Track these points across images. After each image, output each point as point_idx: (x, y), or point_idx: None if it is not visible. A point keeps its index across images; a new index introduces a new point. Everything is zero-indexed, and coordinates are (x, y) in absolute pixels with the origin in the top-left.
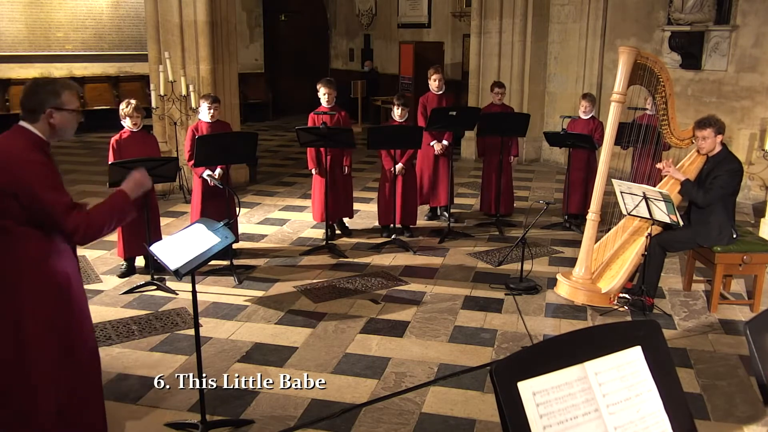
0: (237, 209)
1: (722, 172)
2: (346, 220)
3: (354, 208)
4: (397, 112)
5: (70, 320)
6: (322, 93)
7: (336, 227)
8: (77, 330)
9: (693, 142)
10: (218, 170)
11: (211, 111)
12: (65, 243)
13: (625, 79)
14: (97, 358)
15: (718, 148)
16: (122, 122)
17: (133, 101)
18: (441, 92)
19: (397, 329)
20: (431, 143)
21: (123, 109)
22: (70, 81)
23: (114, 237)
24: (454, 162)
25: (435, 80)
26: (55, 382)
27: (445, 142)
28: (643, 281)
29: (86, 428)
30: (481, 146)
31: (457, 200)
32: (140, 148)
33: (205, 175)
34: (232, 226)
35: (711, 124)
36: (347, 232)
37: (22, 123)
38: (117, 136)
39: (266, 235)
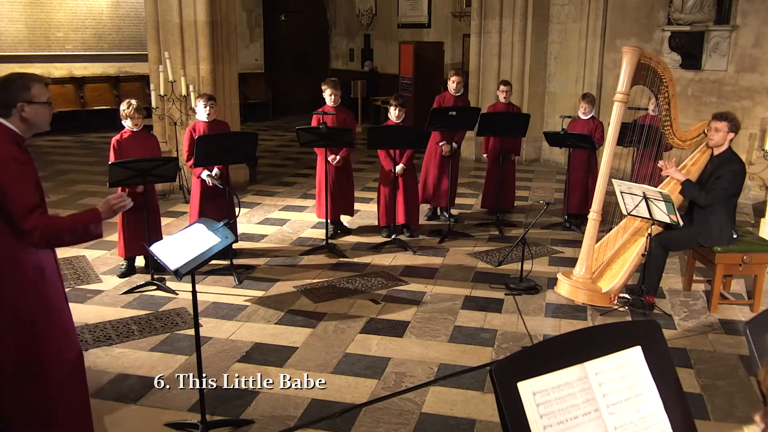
0: (237, 209)
1: (725, 173)
2: (346, 219)
3: (354, 207)
4: (394, 113)
5: (45, 320)
6: (328, 94)
7: (336, 227)
8: (50, 331)
9: (698, 142)
10: (215, 170)
11: (207, 109)
12: None
13: (629, 79)
14: (79, 363)
15: (725, 147)
16: (123, 123)
17: (134, 102)
18: (458, 94)
19: (397, 329)
20: (440, 143)
21: (124, 110)
22: (38, 75)
23: (114, 237)
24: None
25: (454, 82)
26: (14, 386)
27: (454, 145)
28: (644, 281)
29: None
30: (489, 146)
31: (457, 200)
32: (141, 148)
33: (203, 176)
34: (232, 226)
35: (727, 119)
36: (345, 231)
37: None
38: (118, 136)
39: (266, 235)
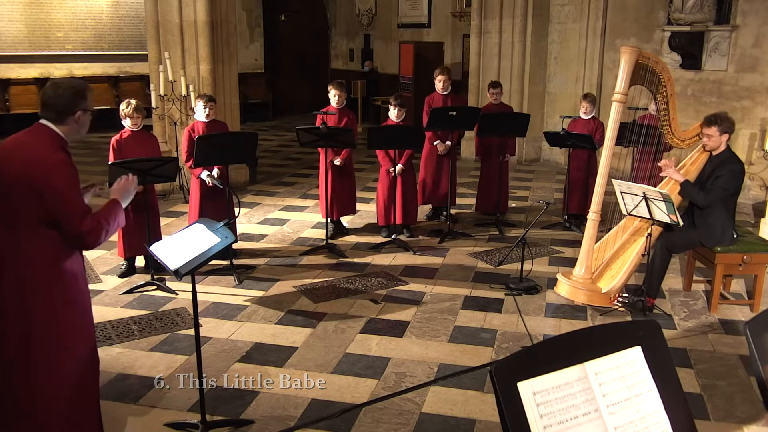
0: (237, 209)
1: (724, 173)
2: (348, 218)
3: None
4: (393, 113)
5: (74, 323)
6: (333, 94)
7: (336, 227)
8: (79, 333)
9: (696, 141)
10: (215, 170)
11: (207, 110)
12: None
13: (627, 79)
14: (96, 363)
15: (722, 147)
16: (123, 122)
17: (133, 101)
18: (446, 93)
19: (397, 329)
20: (435, 143)
21: (123, 110)
22: (86, 81)
23: (114, 237)
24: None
25: (440, 81)
26: (55, 384)
27: (449, 143)
28: (647, 282)
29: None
30: (481, 147)
31: (457, 200)
32: (141, 148)
33: (203, 176)
34: (231, 226)
35: (716, 123)
36: (344, 232)
37: (44, 122)
38: (117, 136)
39: (266, 235)
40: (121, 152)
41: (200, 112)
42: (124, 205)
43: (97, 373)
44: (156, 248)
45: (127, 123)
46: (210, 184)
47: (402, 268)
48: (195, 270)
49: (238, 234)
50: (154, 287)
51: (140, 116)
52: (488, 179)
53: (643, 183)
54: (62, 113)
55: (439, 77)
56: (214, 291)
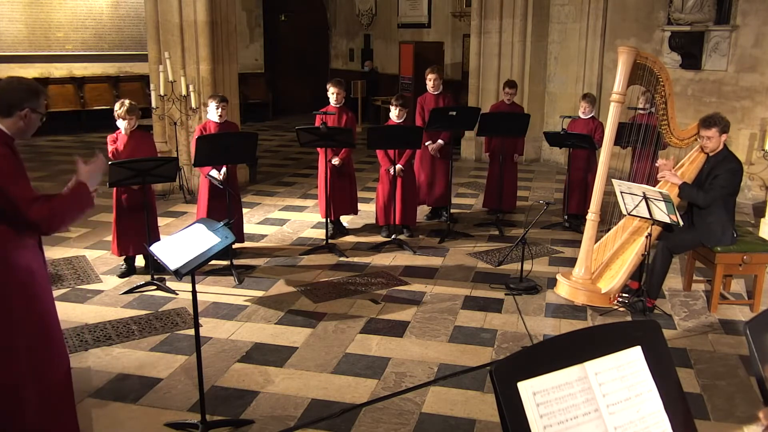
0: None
1: (722, 172)
2: (348, 218)
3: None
4: (395, 113)
5: (36, 320)
6: (332, 92)
7: (336, 227)
8: (42, 331)
9: (695, 141)
10: (224, 170)
11: (219, 110)
12: (31, 238)
13: (625, 79)
14: (66, 363)
15: (720, 147)
16: (117, 123)
17: (126, 102)
18: (438, 92)
19: (397, 329)
20: (426, 143)
21: (117, 111)
22: (41, 85)
23: (108, 236)
24: (453, 162)
25: (430, 80)
26: (17, 387)
27: (440, 141)
28: (648, 283)
29: None
30: (490, 146)
31: (457, 200)
32: (137, 147)
33: (210, 174)
34: (236, 226)
35: (716, 124)
36: (344, 232)
37: None
38: (114, 135)
39: (266, 235)
40: (117, 152)
41: (213, 112)
42: (91, 188)
43: (70, 382)
44: (156, 248)
45: (120, 124)
46: (216, 183)
47: (402, 268)
48: (195, 270)
49: (243, 234)
50: (154, 287)
51: (134, 117)
52: (496, 177)
53: (642, 183)
54: (11, 107)
55: (430, 76)
56: (214, 291)
